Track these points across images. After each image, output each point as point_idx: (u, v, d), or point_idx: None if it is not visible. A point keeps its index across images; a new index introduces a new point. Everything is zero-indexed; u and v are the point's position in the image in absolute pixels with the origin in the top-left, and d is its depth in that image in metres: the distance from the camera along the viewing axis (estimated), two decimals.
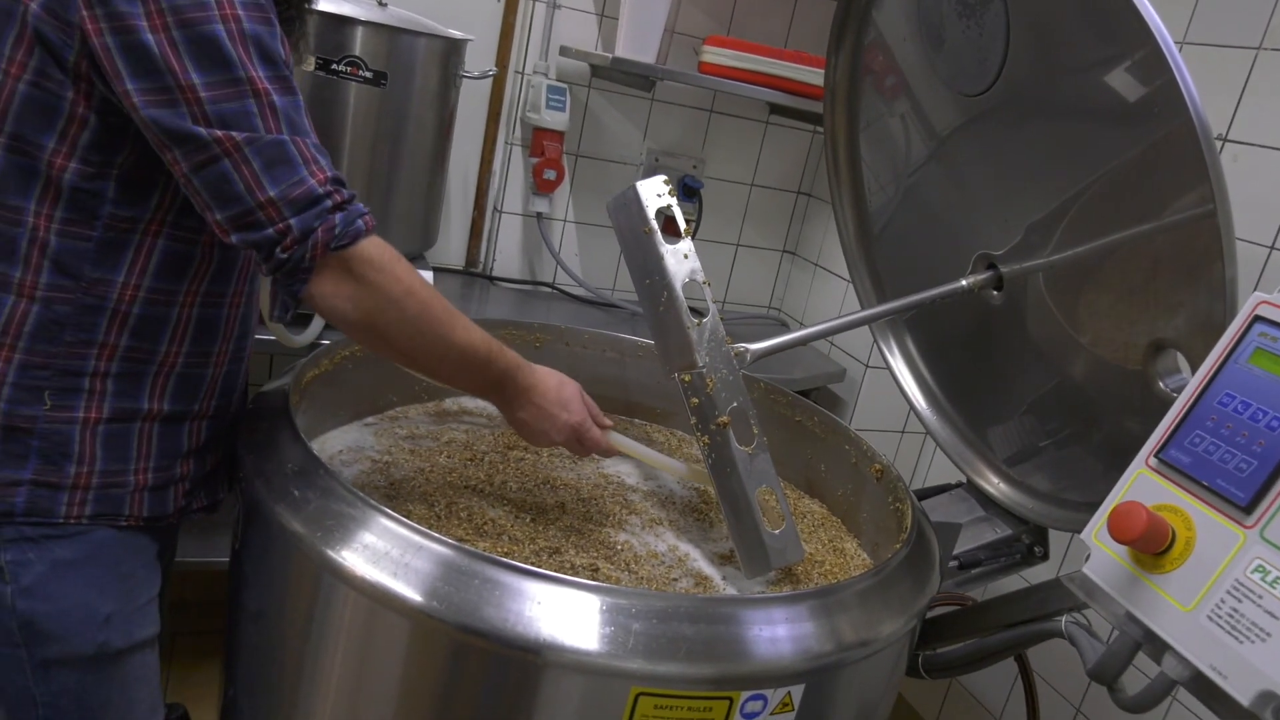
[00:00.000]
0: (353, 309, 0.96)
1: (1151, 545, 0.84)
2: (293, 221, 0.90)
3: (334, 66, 1.65)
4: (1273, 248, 1.56)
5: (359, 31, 1.66)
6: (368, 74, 1.68)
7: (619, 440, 1.22)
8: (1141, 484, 0.89)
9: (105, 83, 0.88)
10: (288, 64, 0.92)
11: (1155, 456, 0.88)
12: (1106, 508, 0.90)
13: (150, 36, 0.84)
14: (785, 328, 2.57)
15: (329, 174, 0.93)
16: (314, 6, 1.16)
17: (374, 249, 0.96)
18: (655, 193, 1.21)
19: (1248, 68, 1.62)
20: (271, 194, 0.89)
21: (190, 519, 1.11)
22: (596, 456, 1.39)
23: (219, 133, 0.86)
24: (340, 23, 1.63)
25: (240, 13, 0.86)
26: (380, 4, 1.71)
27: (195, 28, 0.84)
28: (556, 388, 1.16)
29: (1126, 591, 0.87)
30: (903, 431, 2.32)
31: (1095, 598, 0.92)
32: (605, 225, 2.31)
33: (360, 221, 0.95)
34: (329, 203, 0.92)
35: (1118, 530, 0.84)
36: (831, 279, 2.42)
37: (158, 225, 0.96)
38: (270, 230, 0.90)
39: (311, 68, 1.63)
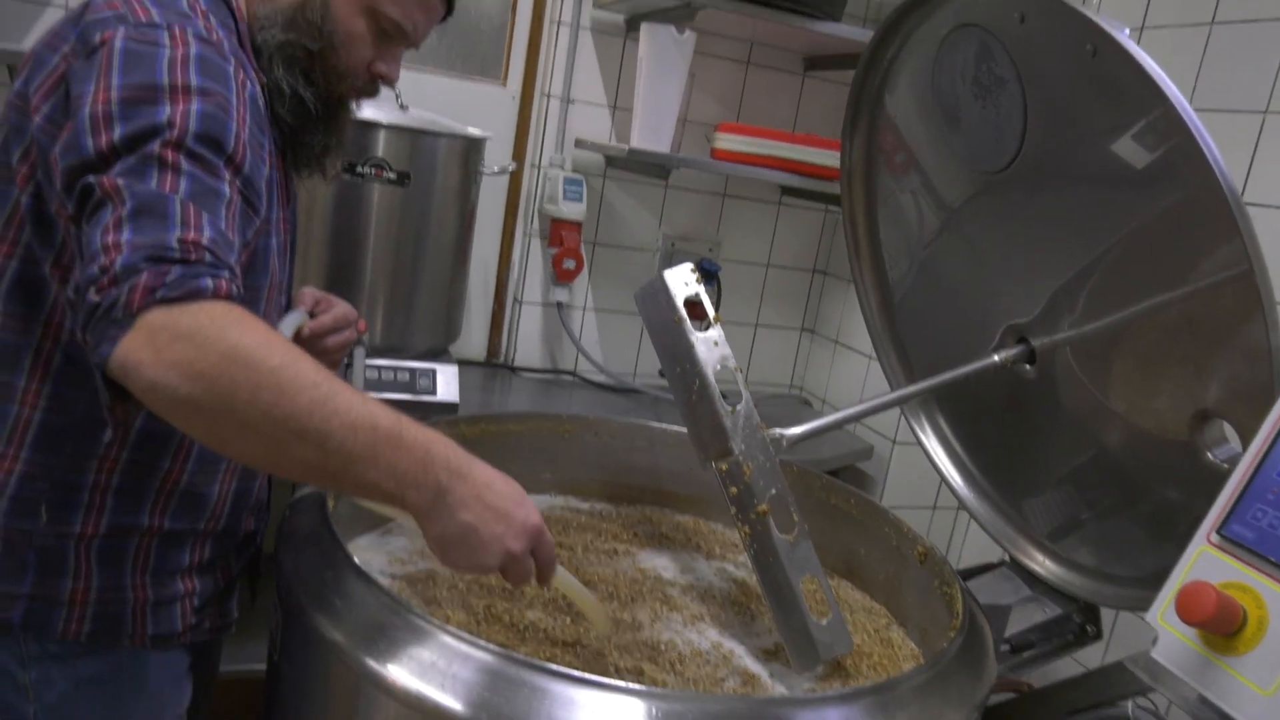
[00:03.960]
0: (179, 378, 0.69)
1: (1223, 626, 0.81)
2: (118, 258, 0.71)
3: (359, 169, 1.69)
4: None
5: (382, 134, 1.70)
6: (392, 175, 1.72)
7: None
8: (1205, 562, 0.86)
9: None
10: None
11: (1216, 533, 0.86)
12: (1171, 588, 0.88)
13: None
14: (809, 406, 2.55)
15: (204, 240, 0.74)
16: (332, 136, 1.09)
17: (220, 308, 0.73)
18: (683, 281, 1.22)
19: (1257, 130, 1.63)
20: (122, 238, 0.72)
21: (199, 638, 1.07)
22: (632, 551, 1.37)
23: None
24: (365, 127, 1.67)
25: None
26: (401, 107, 1.75)
27: None
28: (503, 479, 0.87)
29: (1199, 675, 0.84)
30: (934, 508, 2.28)
31: (1163, 681, 0.89)
32: (625, 311, 2.33)
33: (208, 280, 0.73)
34: (176, 254, 0.72)
35: (1186, 611, 0.81)
36: (852, 355, 2.41)
37: None
38: (94, 268, 0.72)
39: (337, 171, 1.67)
